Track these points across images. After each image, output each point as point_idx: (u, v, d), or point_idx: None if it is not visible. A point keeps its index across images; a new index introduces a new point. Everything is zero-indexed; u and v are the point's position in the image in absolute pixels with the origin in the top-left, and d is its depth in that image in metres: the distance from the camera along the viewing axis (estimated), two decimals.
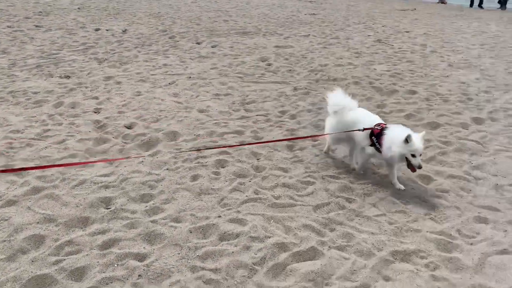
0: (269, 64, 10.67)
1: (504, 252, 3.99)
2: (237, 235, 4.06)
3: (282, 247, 3.92)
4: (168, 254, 3.81)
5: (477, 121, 7.47)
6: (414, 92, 8.76)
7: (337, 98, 5.40)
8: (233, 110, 7.68)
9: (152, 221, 4.27)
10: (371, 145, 5.02)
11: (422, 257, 3.88)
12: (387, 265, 3.77)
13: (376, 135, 4.90)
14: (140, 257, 3.77)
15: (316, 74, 9.98)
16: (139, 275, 3.55)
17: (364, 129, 4.97)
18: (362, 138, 5.11)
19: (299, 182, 5.16)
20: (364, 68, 10.46)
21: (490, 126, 7.26)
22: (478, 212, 4.61)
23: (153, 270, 3.61)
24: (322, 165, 5.64)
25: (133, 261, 3.70)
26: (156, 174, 5.21)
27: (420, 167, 4.65)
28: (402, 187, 5.06)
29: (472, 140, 6.56)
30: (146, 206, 4.54)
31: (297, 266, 3.69)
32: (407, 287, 3.50)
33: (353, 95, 6.13)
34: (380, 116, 5.55)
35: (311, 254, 3.86)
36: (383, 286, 3.52)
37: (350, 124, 5.18)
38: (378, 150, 4.93)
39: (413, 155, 4.60)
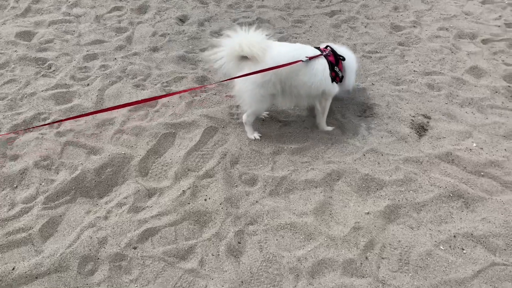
0: None
1: (117, 79, 4.18)
2: None
3: None
4: None
5: None
6: None
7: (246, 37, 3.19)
8: None
9: None
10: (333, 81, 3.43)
11: (44, 119, 3.71)
12: (10, 146, 3.47)
13: (335, 64, 3.41)
14: None
15: None
16: None
17: (309, 58, 3.25)
18: (322, 77, 3.34)
19: None
20: None
21: None
22: (87, 51, 4.58)
23: None
24: None
25: None
26: None
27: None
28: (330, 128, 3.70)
29: None
30: None
31: None
32: (36, 155, 3.35)
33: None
34: None
35: None
36: (11, 167, 3.26)
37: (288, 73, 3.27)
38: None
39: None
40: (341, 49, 3.56)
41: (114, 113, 3.78)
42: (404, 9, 5.52)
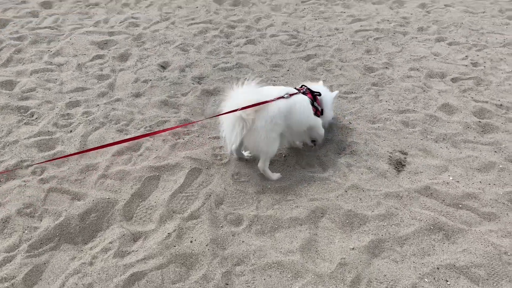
0: None
1: (101, 125, 4.22)
2: None
3: None
4: None
5: (46, 5, 7.17)
6: None
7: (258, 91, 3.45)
8: None
9: None
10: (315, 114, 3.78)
11: (27, 166, 3.70)
12: None
13: (313, 100, 3.76)
14: None
15: None
16: None
17: (290, 95, 3.53)
18: (309, 112, 3.68)
19: None
20: None
21: (60, 8, 7.11)
22: (69, 98, 4.63)
23: None
24: None
25: None
26: None
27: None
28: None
29: (46, 27, 6.31)
30: None
31: None
32: (19, 203, 3.32)
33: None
34: None
35: None
36: None
37: (286, 114, 3.48)
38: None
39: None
40: (316, 86, 3.93)
41: (98, 158, 3.81)
42: (376, 51, 5.79)
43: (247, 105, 3.27)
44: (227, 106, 3.37)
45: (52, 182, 3.53)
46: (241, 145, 3.68)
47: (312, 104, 3.69)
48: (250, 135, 3.40)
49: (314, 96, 3.75)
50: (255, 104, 3.28)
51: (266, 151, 3.51)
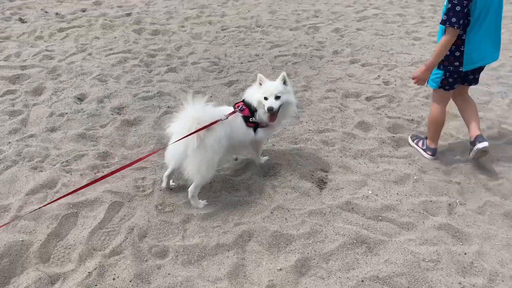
0: None
1: (12, 164, 3.97)
2: None
3: None
4: None
5: None
6: None
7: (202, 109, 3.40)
8: None
9: None
10: (255, 130, 3.75)
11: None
12: None
13: (251, 115, 3.70)
14: None
15: None
16: None
17: (227, 116, 3.51)
18: (245, 131, 3.70)
19: None
20: None
21: None
22: None
23: None
24: None
25: None
26: None
27: (270, 109, 3.55)
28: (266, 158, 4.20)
29: None
30: None
31: None
32: None
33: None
34: None
35: None
36: None
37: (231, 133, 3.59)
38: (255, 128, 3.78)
39: (266, 98, 3.60)
40: (248, 94, 3.75)
41: (10, 198, 3.56)
42: (295, 75, 5.99)
43: (196, 123, 3.27)
44: (176, 124, 3.37)
45: None
46: (175, 171, 3.66)
47: (248, 120, 3.68)
48: (195, 154, 3.33)
49: (251, 111, 3.70)
50: (202, 128, 3.28)
51: (205, 174, 3.44)
